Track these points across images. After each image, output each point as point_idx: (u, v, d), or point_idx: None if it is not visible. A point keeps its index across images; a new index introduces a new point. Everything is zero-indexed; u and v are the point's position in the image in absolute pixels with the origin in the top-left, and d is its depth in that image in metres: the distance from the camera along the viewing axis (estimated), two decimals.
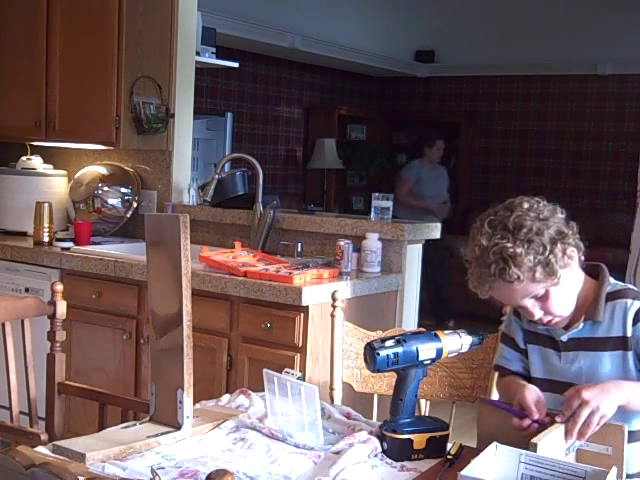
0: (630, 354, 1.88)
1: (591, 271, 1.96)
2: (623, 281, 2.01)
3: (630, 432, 1.77)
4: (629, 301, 1.90)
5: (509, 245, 1.77)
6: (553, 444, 1.68)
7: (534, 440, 1.64)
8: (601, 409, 1.71)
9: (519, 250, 1.77)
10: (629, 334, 1.88)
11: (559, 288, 1.84)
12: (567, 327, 1.93)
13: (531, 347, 2.01)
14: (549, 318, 1.89)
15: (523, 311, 1.91)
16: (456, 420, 2.31)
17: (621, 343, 1.88)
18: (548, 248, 1.79)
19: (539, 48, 8.09)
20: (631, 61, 7.76)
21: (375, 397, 2.39)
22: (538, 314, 1.87)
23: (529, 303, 1.85)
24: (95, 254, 3.63)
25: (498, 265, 1.77)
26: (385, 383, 2.36)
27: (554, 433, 1.69)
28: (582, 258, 1.88)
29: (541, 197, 1.87)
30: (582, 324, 1.90)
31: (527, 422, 1.77)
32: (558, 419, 1.73)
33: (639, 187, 3.48)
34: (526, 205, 1.83)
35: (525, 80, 8.48)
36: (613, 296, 1.92)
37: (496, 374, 2.15)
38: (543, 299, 1.85)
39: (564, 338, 1.92)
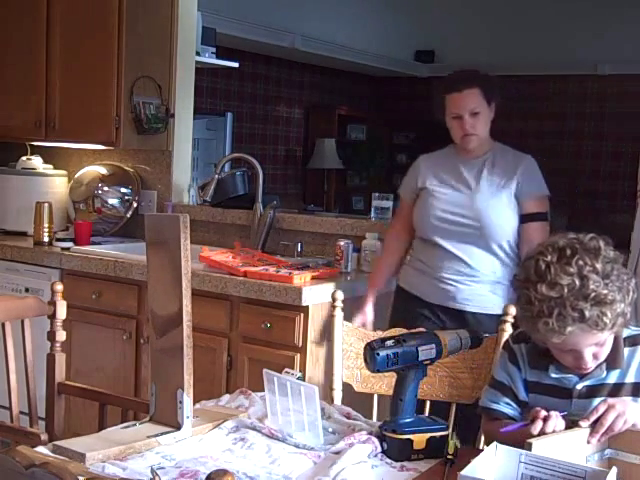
0: None
1: None
2: None
3: None
4: None
5: (605, 292, 1.64)
6: (573, 448, 1.65)
7: (530, 440, 1.63)
8: (626, 414, 1.66)
9: (618, 297, 1.65)
10: None
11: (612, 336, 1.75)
12: (582, 375, 1.81)
13: (533, 396, 1.89)
14: (592, 365, 1.76)
15: (574, 358, 1.75)
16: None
17: (634, 390, 1.80)
18: (629, 298, 1.69)
19: (539, 48, 8.09)
20: (631, 61, 7.76)
21: (375, 397, 2.39)
22: (590, 362, 1.74)
23: (590, 351, 1.73)
24: (95, 254, 3.63)
25: (593, 311, 1.63)
26: (385, 383, 2.36)
27: (568, 435, 1.67)
28: None
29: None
30: (605, 372, 1.80)
31: (538, 424, 1.69)
32: (582, 423, 1.68)
33: (639, 187, 3.47)
34: (602, 243, 1.70)
35: (525, 80, 8.48)
36: (632, 342, 1.83)
37: (483, 417, 1.99)
38: (599, 346, 1.73)
39: (579, 386, 1.81)
